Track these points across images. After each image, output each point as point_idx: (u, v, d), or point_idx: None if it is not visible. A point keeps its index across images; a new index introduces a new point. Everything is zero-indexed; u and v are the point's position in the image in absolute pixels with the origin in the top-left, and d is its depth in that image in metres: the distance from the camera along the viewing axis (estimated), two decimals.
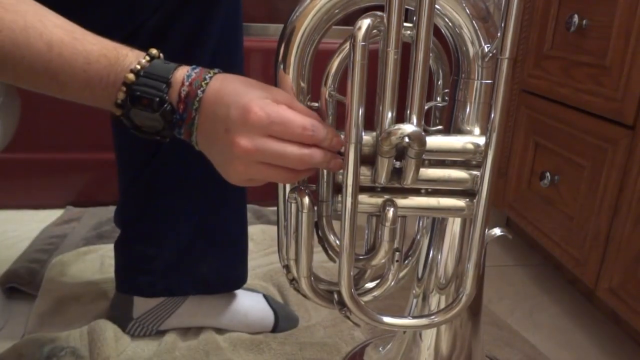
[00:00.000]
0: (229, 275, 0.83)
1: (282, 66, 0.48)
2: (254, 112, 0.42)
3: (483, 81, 0.48)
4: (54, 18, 0.45)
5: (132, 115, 0.47)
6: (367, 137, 0.47)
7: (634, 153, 0.80)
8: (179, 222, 0.77)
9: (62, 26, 0.45)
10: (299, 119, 0.44)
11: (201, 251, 0.79)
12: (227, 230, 0.80)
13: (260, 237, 1.17)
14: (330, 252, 0.55)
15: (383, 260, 0.52)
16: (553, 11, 1.01)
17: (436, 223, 0.56)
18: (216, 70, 0.47)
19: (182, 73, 0.47)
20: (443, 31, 0.49)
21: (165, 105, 0.46)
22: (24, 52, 0.44)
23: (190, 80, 0.46)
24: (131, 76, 0.46)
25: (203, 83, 0.46)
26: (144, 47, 0.66)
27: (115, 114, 0.48)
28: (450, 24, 0.48)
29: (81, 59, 0.45)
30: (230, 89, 0.45)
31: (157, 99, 0.46)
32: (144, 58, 0.47)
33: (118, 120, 0.48)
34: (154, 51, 0.48)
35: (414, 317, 0.54)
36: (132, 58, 0.47)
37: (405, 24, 0.44)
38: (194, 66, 0.48)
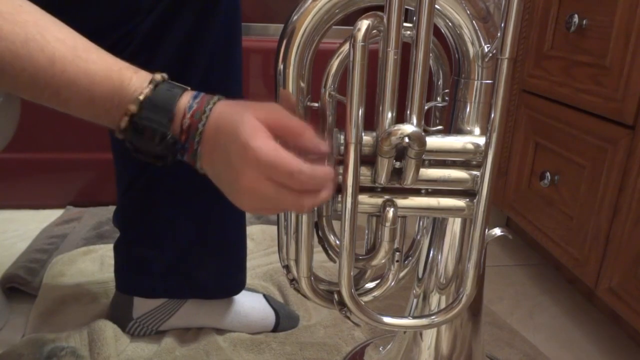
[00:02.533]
0: (227, 282, 0.83)
1: (282, 66, 0.48)
2: (249, 155, 0.42)
3: (483, 81, 0.49)
4: (56, 31, 0.45)
5: (134, 141, 0.47)
6: (367, 138, 0.47)
7: (634, 153, 0.80)
8: (177, 227, 0.77)
9: (64, 41, 0.44)
10: (283, 161, 0.42)
11: (199, 256, 0.79)
12: (225, 236, 0.80)
13: (260, 237, 1.17)
14: (330, 252, 0.55)
15: (383, 261, 0.52)
16: (553, 11, 1.01)
17: (436, 223, 0.56)
18: (216, 99, 0.47)
19: (185, 103, 0.46)
20: (443, 31, 0.49)
21: (168, 138, 0.46)
22: (25, 64, 0.43)
23: (191, 112, 0.46)
24: (134, 107, 0.45)
25: (203, 116, 0.46)
26: (141, 48, 0.66)
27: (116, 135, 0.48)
28: (450, 24, 0.48)
29: (85, 79, 0.44)
30: (228, 122, 0.44)
31: (159, 133, 0.46)
32: (148, 86, 0.46)
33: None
34: (158, 77, 0.47)
35: (414, 317, 0.54)
36: (137, 84, 0.46)
37: (405, 24, 0.44)
38: (195, 94, 0.47)
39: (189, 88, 0.49)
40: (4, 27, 0.42)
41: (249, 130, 0.43)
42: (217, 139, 0.45)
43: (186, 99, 0.47)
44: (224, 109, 0.46)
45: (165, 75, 0.48)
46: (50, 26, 0.45)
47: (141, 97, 0.45)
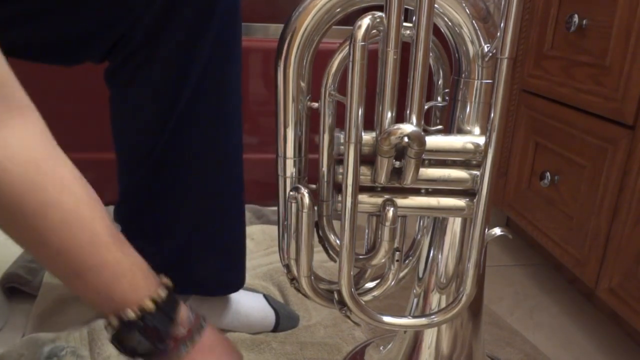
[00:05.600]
0: (226, 279, 0.83)
1: (282, 66, 0.48)
2: None
3: (483, 81, 0.49)
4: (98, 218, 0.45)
5: (115, 342, 0.49)
6: (367, 137, 0.47)
7: (634, 153, 0.80)
8: (177, 223, 0.77)
9: (106, 228, 0.46)
10: None
11: (199, 253, 0.79)
12: (224, 234, 0.80)
13: (260, 237, 1.17)
14: (330, 252, 0.55)
15: (383, 260, 0.52)
16: (553, 11, 1.01)
17: (436, 223, 0.56)
18: (196, 338, 0.50)
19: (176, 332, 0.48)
20: (443, 31, 0.49)
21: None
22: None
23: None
24: (121, 322, 0.47)
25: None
26: (140, 48, 0.66)
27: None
28: (450, 23, 0.48)
29: (103, 276, 0.46)
30: None
31: (142, 348, 0.48)
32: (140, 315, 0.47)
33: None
34: (150, 306, 0.48)
35: (414, 317, 0.54)
36: (132, 310, 0.47)
37: (404, 24, 0.44)
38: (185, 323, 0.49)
39: (182, 310, 0.51)
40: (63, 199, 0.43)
41: None
42: None
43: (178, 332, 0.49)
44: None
45: (163, 294, 0.50)
46: (96, 214, 0.45)
47: (137, 319, 0.47)
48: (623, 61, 0.81)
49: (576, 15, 0.91)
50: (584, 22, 0.90)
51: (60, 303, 0.90)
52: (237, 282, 0.84)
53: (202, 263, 0.80)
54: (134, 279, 0.48)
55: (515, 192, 1.15)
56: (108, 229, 0.46)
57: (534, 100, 1.08)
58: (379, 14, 0.44)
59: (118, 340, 0.48)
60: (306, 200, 0.49)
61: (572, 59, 0.95)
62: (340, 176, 0.47)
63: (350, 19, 0.46)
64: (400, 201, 0.49)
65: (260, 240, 1.16)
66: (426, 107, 0.48)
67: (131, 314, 0.47)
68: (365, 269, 0.56)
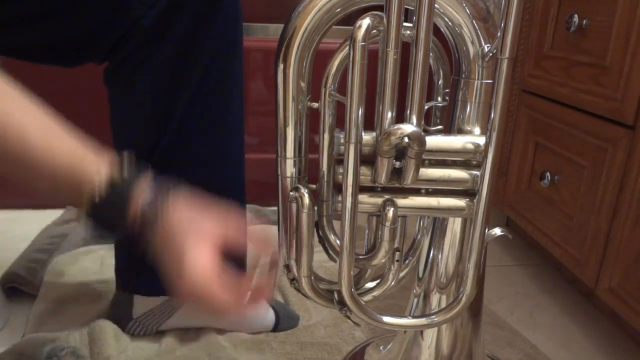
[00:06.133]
0: None
1: (282, 66, 0.48)
2: (183, 285, 0.47)
3: (483, 81, 0.49)
4: (32, 118, 0.47)
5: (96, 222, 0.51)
6: (367, 137, 0.47)
7: (634, 153, 0.80)
8: None
9: (40, 128, 0.47)
10: (217, 298, 0.47)
11: None
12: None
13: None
14: (330, 252, 0.55)
15: (383, 260, 0.52)
16: (553, 11, 1.01)
17: (437, 223, 0.56)
18: (169, 199, 0.50)
19: (138, 204, 0.49)
20: (443, 31, 0.49)
21: (125, 223, 0.50)
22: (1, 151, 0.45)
23: (142, 211, 0.49)
24: (90, 208, 0.49)
25: (157, 219, 0.50)
26: (141, 46, 0.66)
27: None
28: (450, 23, 0.48)
29: (50, 170, 0.48)
30: (177, 238, 0.49)
31: (117, 224, 0.50)
32: (102, 184, 0.49)
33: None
34: (114, 174, 0.49)
35: (414, 317, 0.54)
36: (92, 184, 0.49)
37: (405, 24, 0.44)
38: (148, 190, 0.50)
39: (147, 173, 0.52)
40: None
41: (190, 263, 0.47)
42: (166, 241, 0.49)
43: (139, 200, 0.50)
44: (176, 220, 0.50)
45: (123, 162, 0.51)
46: (30, 111, 0.47)
47: (96, 200, 0.49)
48: (623, 61, 0.81)
49: (576, 15, 0.91)
50: (584, 22, 0.90)
51: (60, 303, 0.90)
52: None
53: None
54: (92, 157, 0.50)
55: (515, 192, 1.15)
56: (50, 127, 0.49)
57: (534, 100, 1.08)
58: (379, 14, 0.44)
59: (93, 217, 0.51)
60: (306, 200, 0.49)
61: (572, 59, 0.95)
62: (340, 176, 0.47)
63: (351, 19, 0.46)
64: (401, 201, 0.49)
65: None
66: (426, 107, 0.48)
67: (84, 213, 0.50)
68: (365, 269, 0.56)
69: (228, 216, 0.52)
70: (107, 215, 0.50)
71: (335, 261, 0.54)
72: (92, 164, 0.49)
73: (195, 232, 0.49)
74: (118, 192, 0.49)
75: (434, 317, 0.53)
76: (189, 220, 0.50)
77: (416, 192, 0.50)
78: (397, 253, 0.52)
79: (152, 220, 0.49)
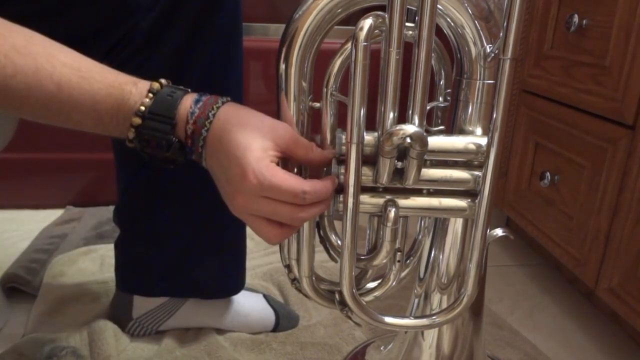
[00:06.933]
0: (227, 282, 0.83)
1: (284, 66, 0.48)
2: (249, 180, 0.44)
3: (485, 81, 0.48)
4: (62, 56, 0.46)
5: (144, 150, 0.49)
6: (369, 137, 0.47)
7: (634, 153, 0.80)
8: (178, 225, 0.77)
9: (70, 65, 0.46)
10: (289, 186, 0.44)
11: (199, 255, 0.79)
12: (225, 235, 0.80)
13: None
14: (331, 252, 0.55)
15: (384, 260, 0.52)
16: (553, 11, 1.01)
17: (438, 223, 0.56)
18: (219, 104, 0.48)
19: (186, 109, 0.48)
20: (445, 31, 0.49)
21: (174, 144, 0.48)
22: (37, 94, 0.45)
23: (194, 118, 0.47)
24: (137, 120, 0.47)
25: (207, 122, 0.47)
26: (142, 47, 0.66)
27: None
28: (452, 24, 0.48)
29: (90, 100, 0.46)
30: (232, 138, 0.46)
31: (165, 140, 0.47)
32: (147, 96, 0.47)
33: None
34: (156, 85, 0.48)
35: (415, 317, 0.54)
36: (137, 96, 0.47)
37: (407, 24, 0.44)
38: (197, 97, 0.48)
39: (189, 90, 0.50)
40: (18, 61, 0.44)
41: (251, 158, 0.44)
42: (219, 148, 0.47)
43: (187, 104, 0.48)
44: (227, 117, 0.47)
45: (164, 81, 0.49)
46: (57, 53, 0.46)
47: (142, 109, 0.47)
48: (623, 61, 0.81)
49: (576, 15, 0.92)
50: (584, 22, 0.90)
51: (60, 303, 0.90)
52: (237, 285, 0.84)
53: (203, 265, 0.80)
54: (127, 77, 0.49)
55: (515, 192, 1.15)
56: (78, 62, 0.47)
57: (534, 100, 1.08)
58: (381, 14, 0.44)
59: (148, 156, 0.49)
60: None
61: (572, 59, 0.95)
62: (342, 176, 0.47)
63: (352, 19, 0.46)
64: (402, 202, 0.49)
65: (260, 240, 1.15)
66: (428, 107, 0.48)
67: (131, 134, 0.48)
68: (367, 270, 0.56)
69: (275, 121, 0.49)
70: (155, 127, 0.47)
71: (336, 261, 0.54)
72: (129, 82, 0.48)
73: (247, 125, 0.46)
74: (163, 97, 0.48)
75: (435, 317, 0.53)
76: (239, 116, 0.47)
77: (418, 192, 0.50)
78: (399, 253, 0.52)
79: (202, 123, 0.47)
